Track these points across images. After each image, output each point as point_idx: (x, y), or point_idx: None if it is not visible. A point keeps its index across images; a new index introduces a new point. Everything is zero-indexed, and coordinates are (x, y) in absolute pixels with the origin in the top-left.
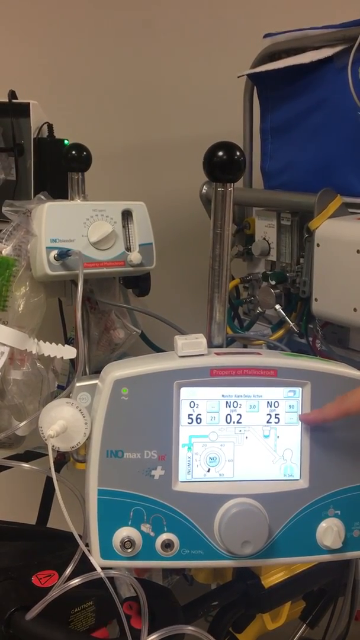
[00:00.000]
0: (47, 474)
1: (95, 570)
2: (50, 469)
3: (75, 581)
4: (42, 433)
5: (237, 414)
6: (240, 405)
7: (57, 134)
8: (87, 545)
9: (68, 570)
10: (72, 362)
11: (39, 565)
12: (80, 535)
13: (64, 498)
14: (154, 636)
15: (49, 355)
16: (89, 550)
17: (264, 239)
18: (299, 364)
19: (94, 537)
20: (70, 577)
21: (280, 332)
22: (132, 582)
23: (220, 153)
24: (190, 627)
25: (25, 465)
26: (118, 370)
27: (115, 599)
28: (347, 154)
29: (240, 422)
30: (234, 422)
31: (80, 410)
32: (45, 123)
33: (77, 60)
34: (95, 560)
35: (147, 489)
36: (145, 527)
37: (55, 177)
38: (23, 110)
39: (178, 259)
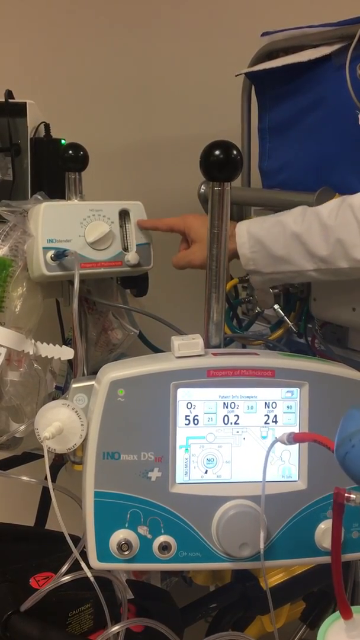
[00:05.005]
0: (43, 484)
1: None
2: (46, 475)
3: (66, 578)
4: (38, 435)
5: (235, 415)
6: (238, 406)
7: (54, 134)
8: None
9: (64, 568)
10: (70, 362)
11: (37, 568)
12: (79, 537)
13: (63, 500)
14: (116, 627)
15: (47, 356)
16: (85, 552)
17: None
18: (297, 365)
19: (90, 540)
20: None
21: (279, 332)
22: (116, 580)
23: (217, 152)
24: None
25: (23, 478)
26: (114, 372)
27: (102, 601)
28: (346, 153)
29: (238, 423)
30: (231, 423)
31: (76, 412)
32: (42, 123)
33: (73, 60)
34: (92, 562)
35: (144, 491)
36: (143, 530)
37: (52, 177)
38: (20, 110)
39: None
